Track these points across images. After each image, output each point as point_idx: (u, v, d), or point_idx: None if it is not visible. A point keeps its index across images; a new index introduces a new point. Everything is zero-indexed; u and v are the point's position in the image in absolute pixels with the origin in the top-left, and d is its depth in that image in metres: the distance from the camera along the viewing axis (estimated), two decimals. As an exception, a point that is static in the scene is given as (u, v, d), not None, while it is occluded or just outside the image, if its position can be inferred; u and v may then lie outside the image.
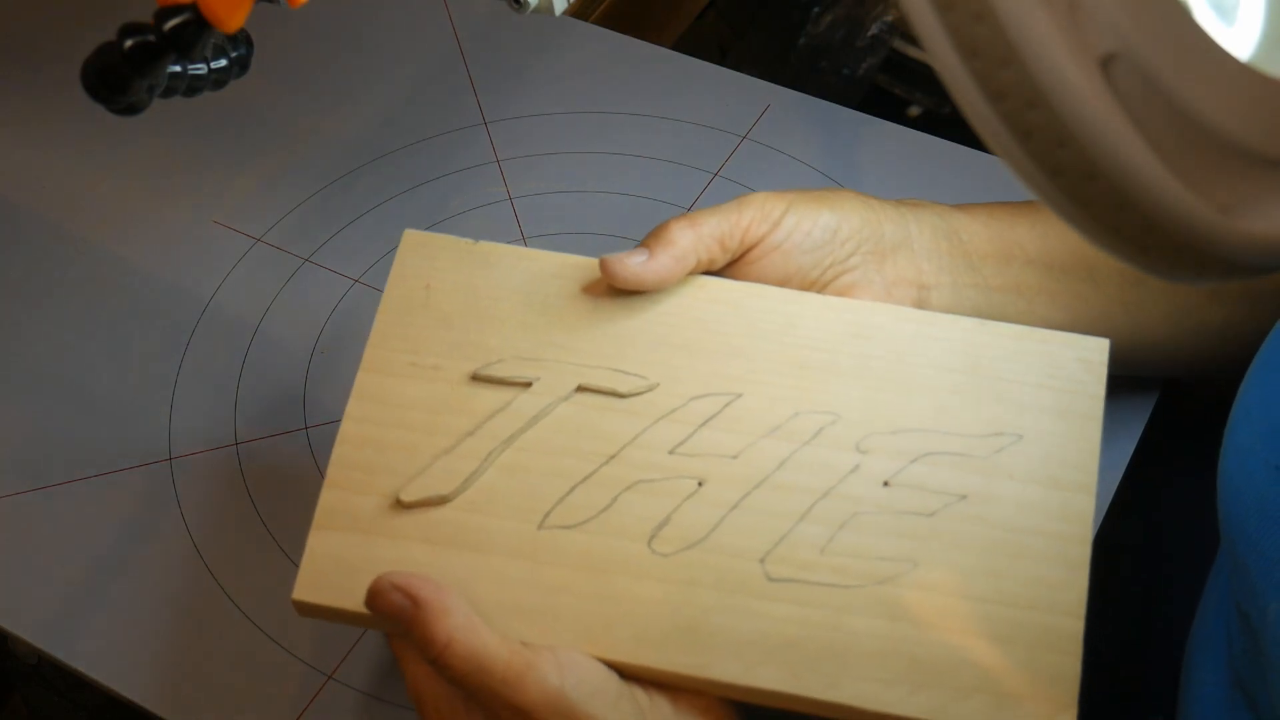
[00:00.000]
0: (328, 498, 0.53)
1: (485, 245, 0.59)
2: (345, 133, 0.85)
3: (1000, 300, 0.60)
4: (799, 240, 0.58)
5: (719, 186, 0.80)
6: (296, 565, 0.65)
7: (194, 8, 0.49)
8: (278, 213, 0.80)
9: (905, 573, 0.51)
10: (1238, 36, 0.34)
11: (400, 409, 0.55)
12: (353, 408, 0.56)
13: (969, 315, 0.58)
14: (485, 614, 0.49)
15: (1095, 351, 0.56)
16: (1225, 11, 0.34)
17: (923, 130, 0.83)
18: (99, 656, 0.63)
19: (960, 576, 0.51)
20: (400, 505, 0.53)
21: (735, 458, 0.54)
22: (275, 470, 0.69)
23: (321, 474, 0.68)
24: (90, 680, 0.62)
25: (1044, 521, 0.52)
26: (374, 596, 0.50)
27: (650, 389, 0.55)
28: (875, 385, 0.55)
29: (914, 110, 1.06)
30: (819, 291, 0.59)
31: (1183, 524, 0.74)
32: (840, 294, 0.59)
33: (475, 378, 0.56)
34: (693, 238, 0.57)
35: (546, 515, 0.53)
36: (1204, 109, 0.32)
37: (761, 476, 0.53)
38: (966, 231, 0.60)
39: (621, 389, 0.55)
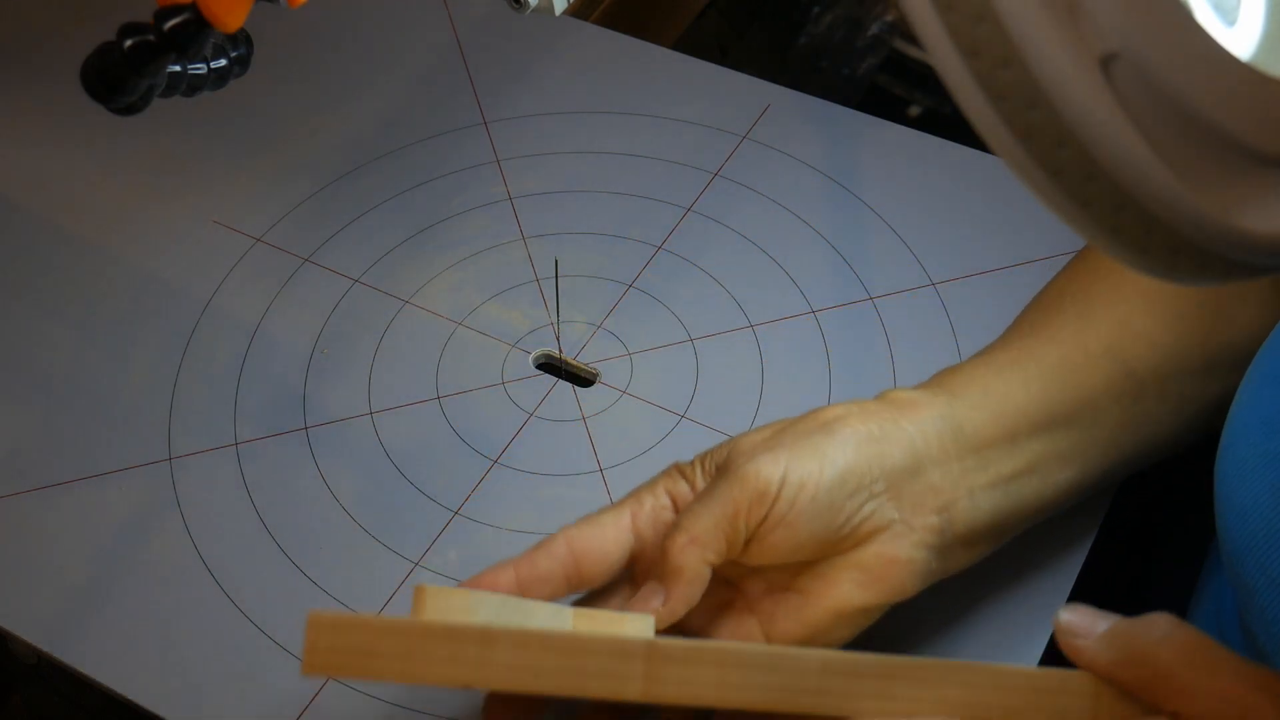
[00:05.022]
0: None
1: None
2: (345, 133, 0.85)
3: (1016, 488, 0.57)
4: (803, 507, 0.53)
5: (719, 186, 0.80)
6: (296, 565, 0.65)
7: (194, 8, 0.49)
8: (278, 213, 0.80)
9: None
10: (1238, 36, 0.34)
11: None
12: None
13: (987, 520, 0.56)
14: None
15: None
16: (1225, 11, 0.34)
17: (923, 130, 0.83)
18: (99, 656, 0.63)
19: None
20: None
21: None
22: (275, 470, 0.69)
23: (323, 474, 0.68)
24: (90, 680, 0.62)
25: None
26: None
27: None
28: None
29: (914, 110, 1.07)
30: (839, 554, 0.54)
31: (1176, 526, 0.74)
32: (860, 544, 0.54)
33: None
34: (697, 556, 0.52)
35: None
36: (1204, 109, 0.32)
37: None
38: (969, 422, 0.57)
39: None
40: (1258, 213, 0.33)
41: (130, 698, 0.61)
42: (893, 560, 0.54)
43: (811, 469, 0.53)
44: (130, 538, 0.66)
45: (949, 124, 0.88)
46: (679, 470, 0.57)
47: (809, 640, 0.54)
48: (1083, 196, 0.32)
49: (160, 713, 0.61)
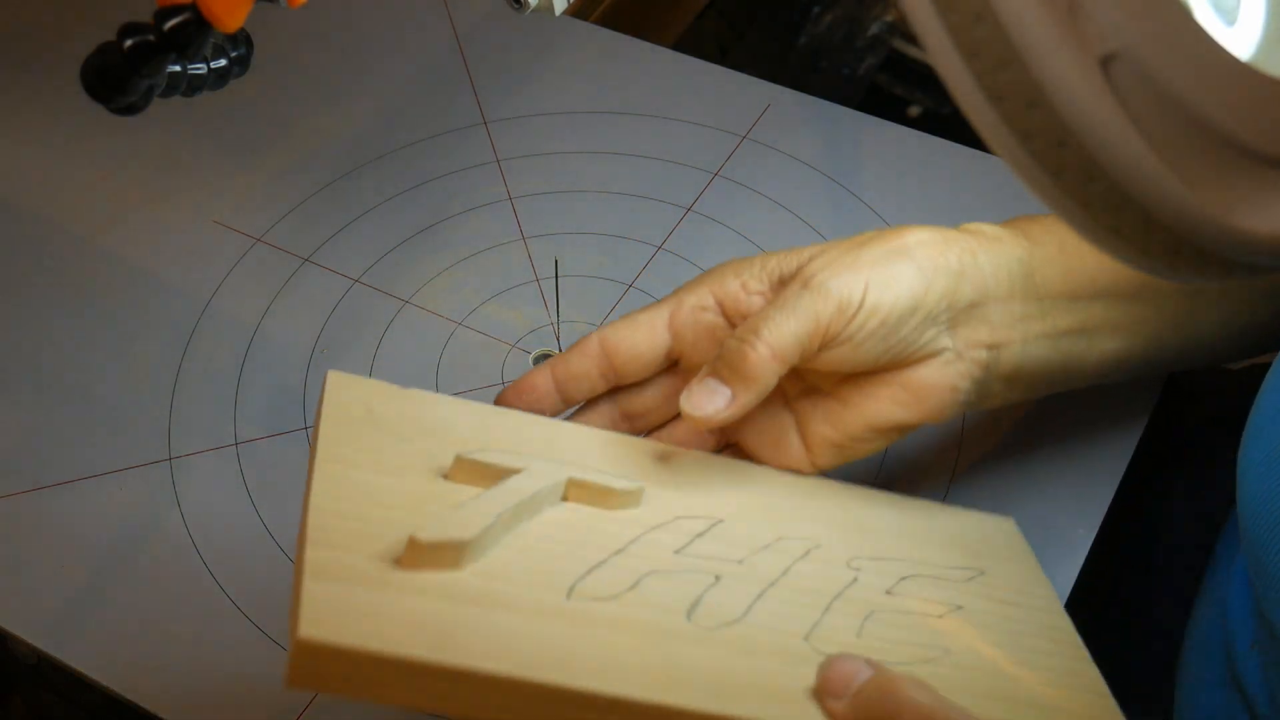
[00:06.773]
0: (316, 555, 0.46)
1: (418, 393, 0.53)
2: (345, 133, 0.85)
3: (1066, 344, 0.59)
4: (872, 329, 0.54)
5: (719, 186, 0.80)
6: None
7: (194, 8, 0.49)
8: (278, 213, 0.80)
9: (940, 657, 0.50)
10: (1238, 36, 0.34)
11: (377, 501, 0.48)
12: (319, 496, 0.47)
13: (1032, 368, 0.58)
14: (534, 666, 0.44)
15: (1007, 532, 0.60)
16: (1225, 11, 0.34)
17: (923, 130, 0.83)
18: (99, 656, 0.63)
19: (995, 653, 0.52)
20: (416, 547, 0.46)
21: (740, 563, 0.52)
22: (275, 470, 0.69)
23: (321, 474, 0.68)
24: (90, 680, 0.62)
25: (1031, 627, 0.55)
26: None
27: (639, 491, 0.53)
28: (845, 528, 0.56)
29: (914, 110, 1.07)
30: (886, 371, 0.56)
31: (1179, 525, 0.74)
32: (909, 366, 0.56)
33: (460, 461, 0.50)
34: (776, 370, 0.53)
35: (572, 588, 0.48)
36: (1204, 109, 0.32)
37: (772, 578, 0.52)
38: (1040, 272, 0.58)
39: (615, 486, 0.52)
40: (1258, 213, 0.33)
41: (130, 698, 0.61)
42: (936, 386, 0.56)
43: (888, 294, 0.54)
44: (130, 538, 0.66)
45: (949, 124, 0.88)
46: (733, 271, 0.58)
47: (839, 445, 0.57)
48: (1083, 196, 0.32)
49: (160, 713, 0.61)
